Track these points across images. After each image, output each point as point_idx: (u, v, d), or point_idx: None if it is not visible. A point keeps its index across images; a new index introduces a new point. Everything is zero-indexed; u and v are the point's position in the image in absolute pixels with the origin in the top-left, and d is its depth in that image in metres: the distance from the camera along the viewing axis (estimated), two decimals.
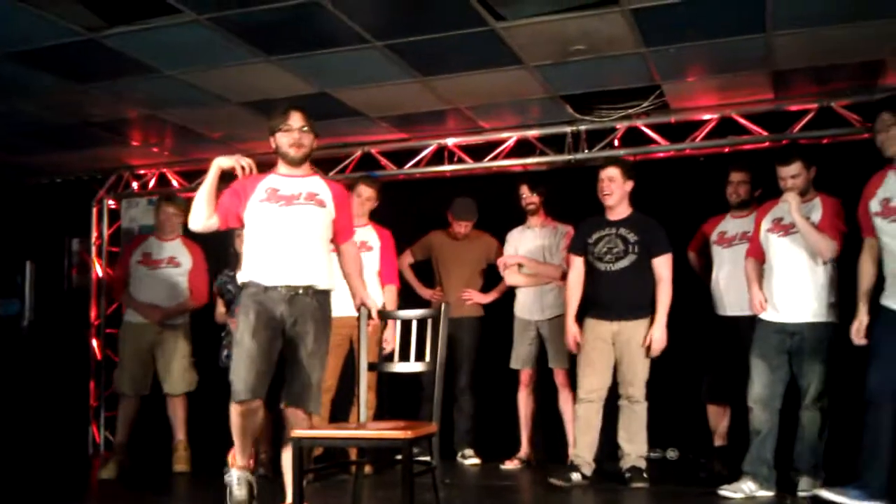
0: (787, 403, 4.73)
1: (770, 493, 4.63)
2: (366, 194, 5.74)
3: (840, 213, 4.72)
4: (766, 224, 4.89)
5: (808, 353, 4.63)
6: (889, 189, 4.37)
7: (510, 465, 5.88)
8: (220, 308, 5.88)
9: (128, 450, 6.06)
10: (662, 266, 5.11)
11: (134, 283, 6.13)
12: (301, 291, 3.96)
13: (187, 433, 6.13)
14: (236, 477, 4.17)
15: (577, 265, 5.29)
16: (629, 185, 5.23)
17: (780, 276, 4.76)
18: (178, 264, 6.12)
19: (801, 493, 4.55)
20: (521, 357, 5.90)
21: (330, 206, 4.15)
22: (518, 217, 6.12)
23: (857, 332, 4.41)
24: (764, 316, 4.80)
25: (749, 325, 5.02)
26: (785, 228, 4.78)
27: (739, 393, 4.93)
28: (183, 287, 6.13)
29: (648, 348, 5.06)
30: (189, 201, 4.49)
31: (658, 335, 5.03)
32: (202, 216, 4.07)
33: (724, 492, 4.64)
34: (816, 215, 4.73)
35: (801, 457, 4.64)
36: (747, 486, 4.63)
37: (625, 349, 5.11)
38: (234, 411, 4.01)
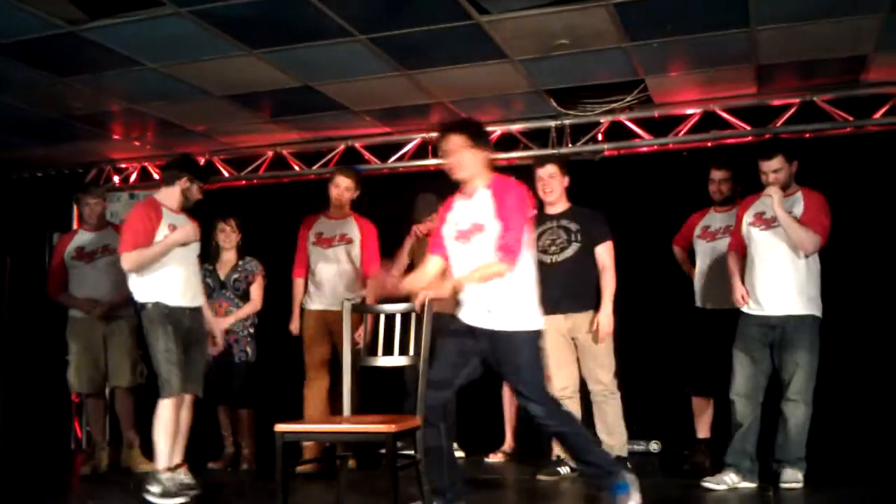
0: (770, 396, 4.75)
1: (753, 485, 4.65)
2: (343, 184, 5.69)
3: (823, 207, 4.73)
4: (748, 218, 4.90)
5: (790, 346, 4.65)
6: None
7: (494, 458, 5.89)
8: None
9: (110, 445, 6.00)
10: (605, 253, 5.15)
11: (74, 279, 5.91)
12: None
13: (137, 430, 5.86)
14: (174, 483, 4.50)
15: None
16: (566, 180, 5.28)
17: (762, 269, 4.78)
18: (114, 251, 5.69)
19: (783, 486, 4.57)
20: None
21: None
22: None
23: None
24: (746, 309, 4.82)
25: (731, 318, 5.01)
26: (767, 222, 4.80)
27: (722, 386, 4.94)
28: (123, 276, 5.82)
29: (597, 334, 5.07)
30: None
31: (605, 320, 5.05)
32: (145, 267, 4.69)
33: (708, 484, 4.65)
34: (798, 209, 4.74)
35: (782, 449, 4.65)
36: (730, 478, 4.65)
37: (584, 343, 5.12)
38: (172, 405, 4.50)
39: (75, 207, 6.70)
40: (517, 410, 5.98)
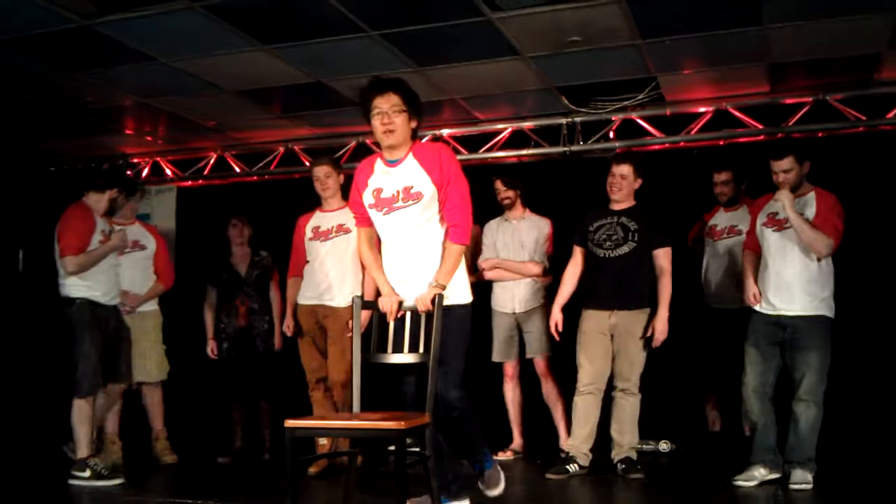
0: (782, 396, 4.75)
1: (778, 475, 4.71)
2: (322, 173, 5.36)
3: (836, 208, 4.71)
4: (761, 218, 4.90)
5: (801, 347, 4.65)
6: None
7: (503, 456, 5.88)
8: (210, 299, 6.08)
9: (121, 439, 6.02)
10: (663, 258, 5.11)
11: None
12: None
13: (164, 423, 6.03)
14: (101, 467, 4.97)
15: (577, 256, 5.28)
16: (638, 182, 5.24)
17: (775, 269, 4.78)
18: (144, 247, 5.96)
19: (792, 486, 4.56)
20: (501, 350, 5.88)
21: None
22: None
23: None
24: (758, 308, 4.82)
25: (737, 317, 5.08)
26: (779, 223, 4.80)
27: (729, 383, 5.02)
28: (150, 271, 5.99)
29: (648, 340, 5.06)
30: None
31: (661, 327, 5.02)
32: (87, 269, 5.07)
33: (738, 482, 4.70)
34: (810, 211, 4.73)
35: (793, 450, 4.65)
36: (759, 473, 4.71)
37: (622, 342, 5.10)
38: (86, 402, 4.95)
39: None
40: (521, 408, 5.97)
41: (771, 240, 4.81)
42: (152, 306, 6.03)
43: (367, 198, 3.77)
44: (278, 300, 5.96)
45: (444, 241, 3.69)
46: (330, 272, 5.31)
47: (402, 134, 3.69)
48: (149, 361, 5.94)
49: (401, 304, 3.73)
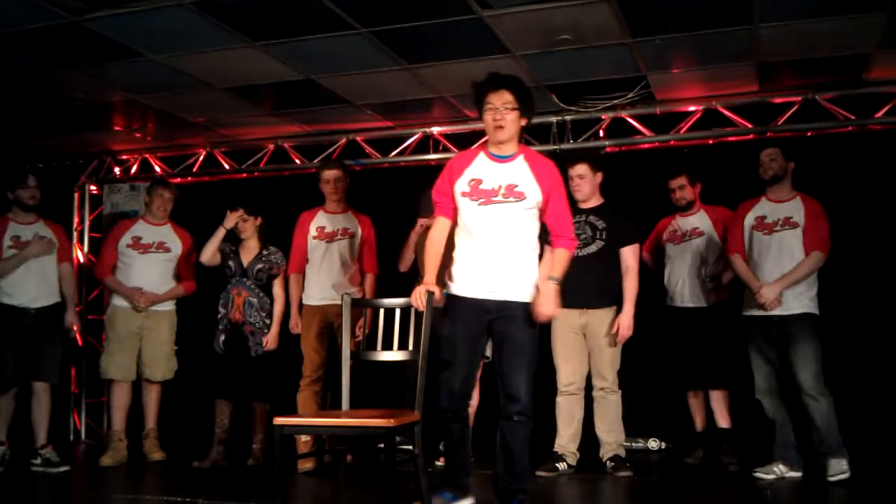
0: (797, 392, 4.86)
1: (799, 475, 4.82)
2: (333, 176, 5.61)
3: (821, 215, 4.88)
4: (749, 220, 4.99)
5: (793, 345, 4.80)
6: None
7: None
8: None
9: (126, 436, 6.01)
10: (629, 255, 5.15)
11: (122, 267, 6.04)
12: None
13: (157, 421, 6.07)
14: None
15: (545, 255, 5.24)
16: (598, 176, 5.27)
17: (763, 271, 4.91)
18: (168, 249, 6.07)
19: (831, 479, 4.67)
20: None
21: None
22: None
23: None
24: (751, 312, 4.91)
25: (700, 315, 5.38)
26: (769, 227, 4.92)
27: (703, 381, 5.32)
28: (171, 273, 6.10)
29: (615, 336, 5.07)
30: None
31: (626, 322, 5.05)
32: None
33: (758, 473, 4.82)
34: (799, 216, 4.88)
35: (819, 443, 4.77)
36: (779, 469, 4.81)
37: (595, 341, 5.13)
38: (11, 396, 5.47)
39: (79, 196, 6.81)
40: None
41: (761, 243, 4.92)
42: (169, 306, 6.12)
43: (461, 185, 3.81)
44: (281, 299, 5.81)
45: (556, 249, 3.86)
46: (337, 272, 5.54)
47: (512, 130, 3.80)
48: (157, 360, 6.00)
49: (430, 294, 3.71)
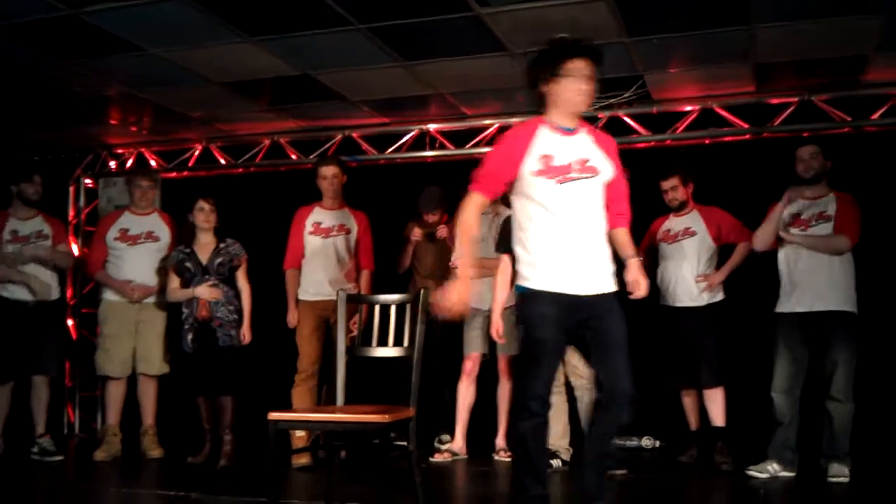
0: (811, 392, 4.87)
1: (792, 475, 4.83)
2: (330, 173, 5.60)
3: (853, 206, 4.92)
4: (785, 218, 4.99)
5: (828, 344, 4.79)
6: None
7: (440, 458, 5.76)
8: (174, 284, 5.65)
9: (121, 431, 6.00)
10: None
11: (113, 261, 6.01)
12: None
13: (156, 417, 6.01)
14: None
15: (505, 263, 5.06)
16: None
17: (798, 268, 4.91)
18: (157, 239, 6.04)
19: (830, 479, 4.69)
20: (471, 341, 5.80)
21: None
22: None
23: None
24: (784, 308, 4.92)
25: (693, 314, 5.39)
26: (804, 223, 4.95)
27: (697, 380, 5.33)
28: (159, 263, 6.02)
29: None
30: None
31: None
32: None
33: (752, 472, 4.84)
34: (832, 208, 4.93)
35: (829, 446, 4.79)
36: (772, 468, 4.82)
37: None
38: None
39: (74, 189, 6.79)
40: (471, 409, 5.90)
41: (796, 238, 4.92)
42: (162, 297, 5.95)
43: (531, 164, 3.33)
44: (248, 290, 5.69)
45: (617, 228, 3.52)
46: (333, 268, 5.56)
47: (589, 102, 3.45)
48: (153, 354, 5.95)
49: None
